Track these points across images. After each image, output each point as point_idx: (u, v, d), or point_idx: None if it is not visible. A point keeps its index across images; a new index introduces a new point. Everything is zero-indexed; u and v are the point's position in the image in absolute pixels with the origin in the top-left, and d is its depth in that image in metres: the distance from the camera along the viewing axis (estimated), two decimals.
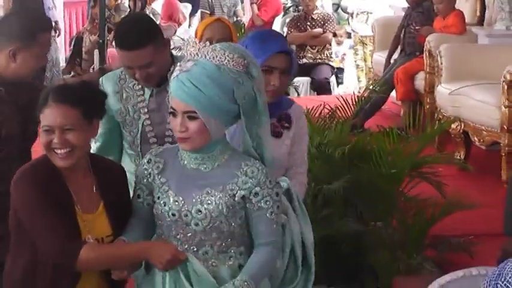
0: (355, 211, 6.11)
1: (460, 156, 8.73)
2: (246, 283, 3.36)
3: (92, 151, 3.94)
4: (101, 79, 4.46)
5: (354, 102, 7.57)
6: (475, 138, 8.66)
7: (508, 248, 4.55)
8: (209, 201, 3.40)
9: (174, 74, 3.40)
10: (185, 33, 13.29)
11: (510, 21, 10.62)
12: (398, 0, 11.94)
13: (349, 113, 7.31)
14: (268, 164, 3.50)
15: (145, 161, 3.59)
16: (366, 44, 13.26)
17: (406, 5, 11.08)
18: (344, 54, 13.75)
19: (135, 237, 3.55)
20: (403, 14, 11.05)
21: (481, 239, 5.90)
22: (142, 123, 4.34)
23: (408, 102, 9.89)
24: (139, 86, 4.35)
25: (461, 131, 8.91)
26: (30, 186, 3.37)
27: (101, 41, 9.79)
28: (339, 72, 12.84)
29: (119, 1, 13.70)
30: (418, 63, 9.99)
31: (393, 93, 10.37)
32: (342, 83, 13.09)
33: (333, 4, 16.07)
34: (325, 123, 7.05)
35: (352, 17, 13.95)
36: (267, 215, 3.44)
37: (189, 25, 13.99)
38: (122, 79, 4.40)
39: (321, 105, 7.66)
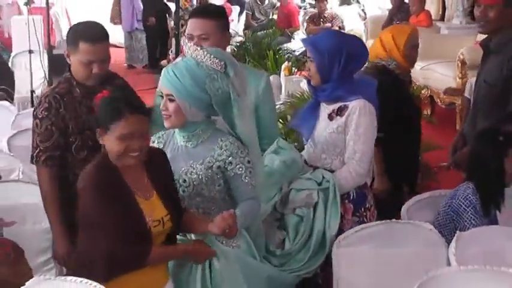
0: None
1: (427, 113, 8.72)
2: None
3: None
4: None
5: None
6: (438, 100, 8.68)
7: (456, 160, 4.48)
8: (192, 172, 3.17)
9: (166, 67, 3.22)
10: (235, 26, 13.22)
11: (463, 17, 10.62)
12: (385, 3, 11.82)
13: None
14: (243, 139, 3.21)
15: (152, 140, 3.26)
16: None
17: (390, 6, 11.02)
18: None
19: None
20: (387, 13, 10.99)
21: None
22: None
23: None
24: None
25: (428, 95, 8.95)
26: (98, 192, 2.90)
27: (176, 32, 9.72)
28: None
29: (189, 4, 13.63)
30: None
31: None
32: None
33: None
34: None
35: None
36: (242, 179, 3.17)
37: (238, 21, 13.94)
38: None
39: None
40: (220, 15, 3.73)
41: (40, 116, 3.60)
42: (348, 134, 3.60)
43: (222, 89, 3.12)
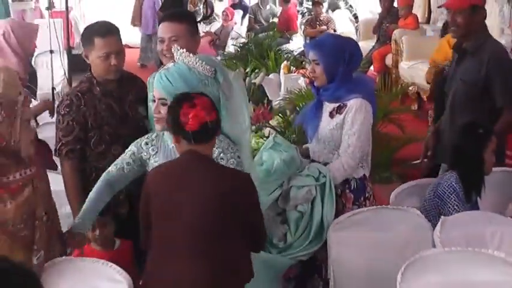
0: None
1: (414, 108, 8.73)
2: None
3: None
4: (149, 77, 3.49)
5: None
6: (424, 96, 8.63)
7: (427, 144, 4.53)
8: None
9: (158, 71, 3.08)
10: (239, 29, 13.20)
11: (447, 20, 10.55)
12: (376, 6, 11.78)
13: None
14: (232, 139, 3.08)
15: (144, 142, 3.18)
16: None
17: (380, 10, 10.99)
18: None
19: (93, 218, 3.29)
20: (377, 16, 10.96)
21: None
22: None
23: (381, 73, 9.84)
24: None
25: (415, 91, 8.93)
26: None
27: None
28: None
29: (197, 8, 13.61)
30: (388, 48, 9.92)
31: (371, 68, 10.31)
32: None
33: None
34: None
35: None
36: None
37: (241, 24, 13.91)
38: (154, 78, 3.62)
39: None
40: (189, 20, 3.62)
41: (62, 113, 3.59)
42: (344, 129, 3.58)
43: (212, 94, 2.97)
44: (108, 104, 3.64)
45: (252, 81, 8.05)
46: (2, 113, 2.73)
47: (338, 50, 3.59)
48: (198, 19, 12.03)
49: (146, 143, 3.18)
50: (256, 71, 8.47)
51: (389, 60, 9.91)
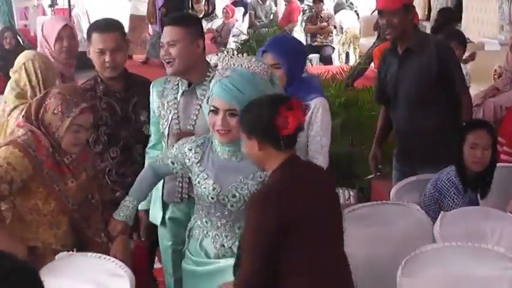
0: (348, 138, 6.12)
1: None
2: None
3: (148, 148, 3.53)
4: (153, 82, 3.52)
5: (347, 70, 7.55)
6: None
7: None
8: (243, 188, 2.83)
9: (215, 79, 2.84)
10: (240, 26, 13.20)
11: None
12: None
13: (344, 76, 7.29)
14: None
15: (187, 148, 2.97)
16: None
17: None
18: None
19: (140, 198, 3.20)
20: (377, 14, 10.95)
21: None
22: (172, 117, 3.37)
23: None
24: (177, 86, 3.40)
25: None
26: None
27: None
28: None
29: (197, 6, 13.56)
30: (388, 45, 9.89)
31: (372, 64, 10.30)
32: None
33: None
34: (328, 83, 7.04)
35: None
36: None
37: (242, 21, 13.91)
38: (167, 81, 3.45)
39: (326, 72, 7.64)
40: (189, 24, 3.40)
41: None
42: (313, 130, 3.43)
43: None
44: (109, 103, 3.59)
45: None
46: (59, 107, 2.93)
47: (297, 50, 3.54)
48: (200, 16, 12.02)
49: (190, 149, 2.97)
50: None
51: None
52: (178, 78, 3.40)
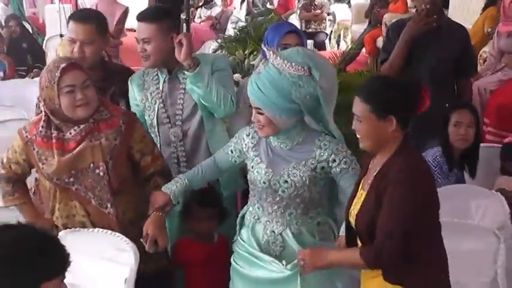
0: (341, 120, 6.09)
1: None
2: None
3: None
4: (130, 78, 3.42)
5: (340, 55, 7.51)
6: None
7: None
8: (295, 174, 2.71)
9: (251, 77, 2.73)
10: (238, 13, 13.14)
11: None
12: None
13: (337, 61, 7.25)
14: (336, 136, 2.80)
15: (245, 133, 2.87)
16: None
17: None
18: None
19: (193, 181, 2.99)
20: (369, 1, 10.92)
21: None
22: (158, 107, 3.32)
23: (373, 55, 9.80)
24: (157, 76, 3.35)
25: None
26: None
27: (186, 18, 9.55)
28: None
29: None
30: (379, 31, 9.89)
31: (364, 50, 10.29)
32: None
33: None
34: None
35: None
36: (350, 171, 2.69)
37: (240, 9, 13.84)
38: (145, 74, 3.38)
39: None
40: (160, 19, 3.24)
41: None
42: None
43: (310, 94, 2.60)
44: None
45: (251, 62, 8.00)
46: (46, 80, 2.85)
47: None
48: (200, 4, 11.96)
49: (247, 135, 2.87)
50: (255, 53, 8.41)
51: (380, 43, 9.84)
52: (155, 69, 3.34)
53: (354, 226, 2.50)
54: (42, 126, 2.92)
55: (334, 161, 2.69)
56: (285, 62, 2.59)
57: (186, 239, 3.34)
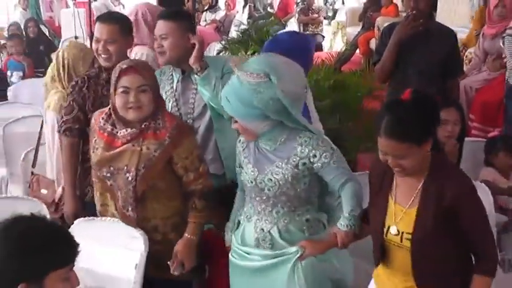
0: (336, 117, 6.09)
1: None
2: (352, 213, 2.64)
3: None
4: None
5: (335, 56, 7.51)
6: None
7: None
8: (277, 172, 2.63)
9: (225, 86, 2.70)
10: (240, 17, 13.14)
11: None
12: None
13: (332, 62, 7.24)
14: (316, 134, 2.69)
15: (238, 140, 2.82)
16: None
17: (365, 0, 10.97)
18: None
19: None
20: (363, 5, 10.91)
21: None
22: (171, 105, 3.30)
23: (366, 56, 9.79)
24: (171, 76, 3.35)
25: None
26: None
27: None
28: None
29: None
30: (372, 33, 9.89)
31: (357, 51, 10.28)
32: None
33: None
34: (319, 67, 6.99)
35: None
36: (331, 164, 2.60)
37: (242, 12, 13.86)
38: (162, 73, 3.36)
39: (317, 57, 7.57)
40: (180, 18, 3.27)
41: (67, 92, 3.50)
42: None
43: (272, 99, 2.52)
44: (110, 90, 3.47)
45: None
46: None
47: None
48: (205, 8, 11.96)
49: (239, 140, 2.82)
50: (256, 54, 8.42)
51: (373, 45, 9.84)
52: (171, 68, 3.34)
53: (395, 242, 2.42)
54: (103, 118, 2.96)
55: (314, 156, 2.60)
56: (244, 72, 2.55)
57: (209, 231, 3.21)
